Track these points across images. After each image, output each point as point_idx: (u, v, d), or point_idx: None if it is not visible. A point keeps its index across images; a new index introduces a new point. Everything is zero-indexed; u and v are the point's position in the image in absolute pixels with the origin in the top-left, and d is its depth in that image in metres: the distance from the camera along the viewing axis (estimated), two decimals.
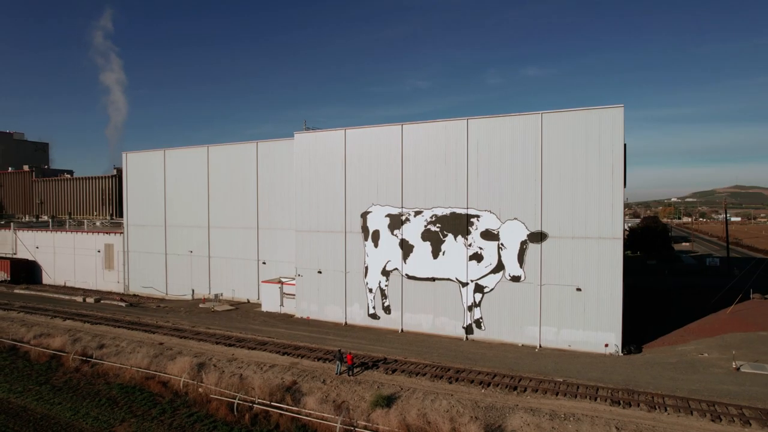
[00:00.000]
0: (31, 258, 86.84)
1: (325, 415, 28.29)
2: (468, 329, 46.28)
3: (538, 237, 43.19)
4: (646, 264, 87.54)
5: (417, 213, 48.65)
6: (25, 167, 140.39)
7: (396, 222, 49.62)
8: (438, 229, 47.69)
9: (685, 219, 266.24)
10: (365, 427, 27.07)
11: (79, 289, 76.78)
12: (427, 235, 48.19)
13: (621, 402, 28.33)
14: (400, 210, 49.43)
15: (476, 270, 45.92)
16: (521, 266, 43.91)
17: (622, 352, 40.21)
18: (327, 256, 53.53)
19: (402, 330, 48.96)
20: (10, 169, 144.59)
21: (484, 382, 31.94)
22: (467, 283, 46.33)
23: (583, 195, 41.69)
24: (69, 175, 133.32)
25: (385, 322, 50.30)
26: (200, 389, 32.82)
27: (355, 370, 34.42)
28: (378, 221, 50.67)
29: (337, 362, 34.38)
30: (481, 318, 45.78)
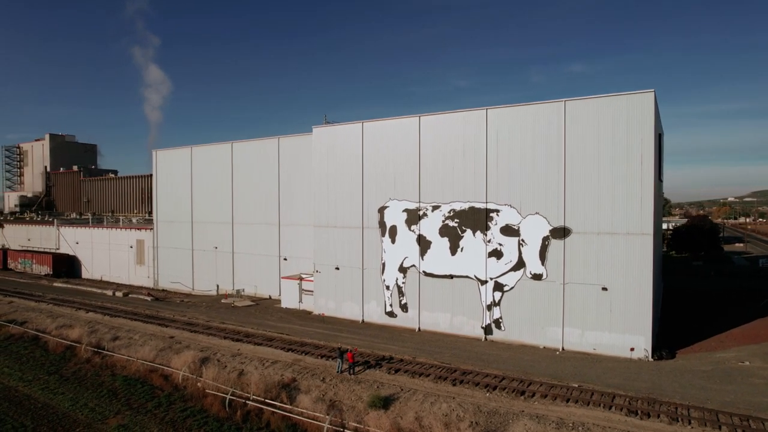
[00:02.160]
0: (71, 253, 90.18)
1: (317, 414, 27.00)
2: (487, 329, 44.02)
3: (561, 232, 40.50)
4: (692, 265, 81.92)
5: (435, 208, 46.78)
6: (74, 167, 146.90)
7: (413, 217, 47.91)
8: (456, 225, 45.65)
9: (743, 219, 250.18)
10: (356, 429, 25.59)
11: (113, 283, 78.93)
12: (444, 231, 46.25)
13: (639, 412, 25.60)
14: (417, 205, 47.69)
15: (495, 267, 43.60)
16: (543, 263, 41.31)
17: (653, 357, 37.00)
18: (344, 252, 52.42)
19: (419, 329, 47.18)
20: (61, 169, 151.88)
21: (491, 385, 29.80)
22: (486, 281, 44.07)
23: (609, 188, 38.73)
24: (113, 175, 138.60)
25: (402, 320, 48.65)
26: (199, 384, 32.25)
27: (357, 369, 33.00)
28: (395, 216, 49.12)
29: (338, 360, 33.07)
30: (501, 318, 43.43)
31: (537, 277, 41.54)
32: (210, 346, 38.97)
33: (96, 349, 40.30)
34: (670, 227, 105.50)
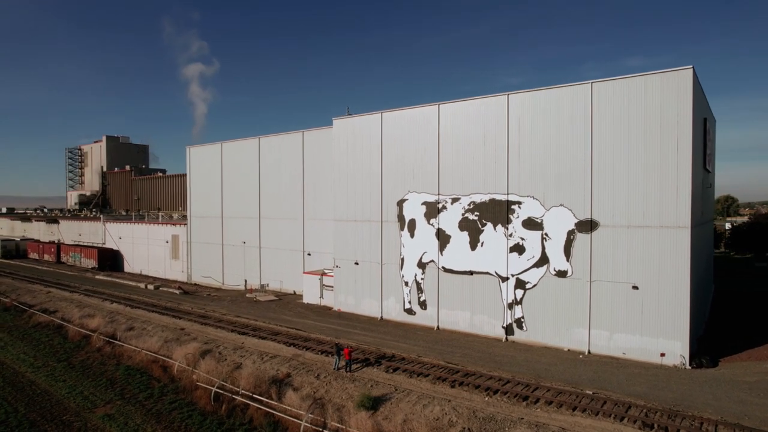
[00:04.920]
0: (115, 247, 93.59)
1: (301, 412, 25.44)
2: (508, 329, 41.13)
3: (587, 226, 37.12)
4: (754, 266, 74.69)
5: (454, 200, 44.33)
6: (127, 167, 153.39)
7: (432, 210, 45.65)
8: (476, 218, 43.03)
9: None
10: (336, 430, 23.82)
11: (149, 277, 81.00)
12: (464, 225, 43.71)
13: (655, 425, 22.33)
14: (436, 197, 45.39)
15: (517, 263, 40.66)
16: (568, 259, 38.03)
17: (691, 364, 33.04)
18: (364, 247, 50.82)
19: (438, 327, 44.85)
20: (115, 169, 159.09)
21: (492, 388, 27.18)
22: (507, 278, 41.20)
23: (641, 176, 35.03)
24: (161, 174, 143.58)
25: (421, 318, 46.44)
26: (194, 376, 31.50)
27: (355, 366, 31.22)
28: (414, 209, 47.02)
29: (335, 357, 31.42)
30: (523, 317, 40.44)
31: (561, 273, 38.34)
32: (216, 339, 38.34)
33: (108, 339, 40.65)
34: (729, 226, 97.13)
